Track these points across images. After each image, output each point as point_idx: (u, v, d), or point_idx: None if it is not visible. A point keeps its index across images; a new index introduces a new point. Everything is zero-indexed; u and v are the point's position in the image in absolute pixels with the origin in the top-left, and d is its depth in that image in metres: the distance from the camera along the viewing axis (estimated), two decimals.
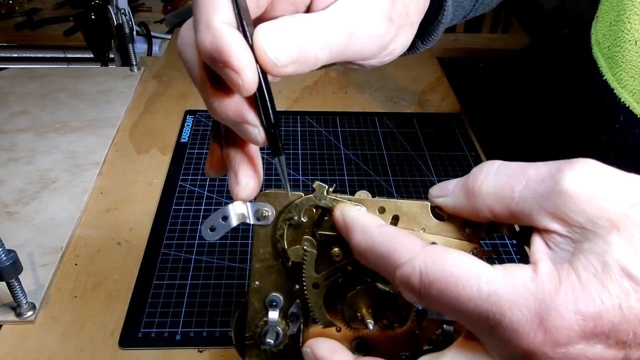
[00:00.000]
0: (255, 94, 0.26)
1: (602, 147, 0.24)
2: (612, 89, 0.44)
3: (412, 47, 0.39)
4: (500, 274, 0.23)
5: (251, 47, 0.26)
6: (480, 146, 0.87)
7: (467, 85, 1.54)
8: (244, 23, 0.26)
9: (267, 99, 0.27)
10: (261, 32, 0.26)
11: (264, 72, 0.26)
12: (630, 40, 0.43)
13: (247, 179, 0.31)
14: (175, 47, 0.29)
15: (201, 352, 0.56)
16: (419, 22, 0.35)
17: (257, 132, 0.28)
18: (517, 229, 0.29)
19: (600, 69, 0.46)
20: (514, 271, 0.24)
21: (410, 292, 0.25)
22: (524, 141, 1.33)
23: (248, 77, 0.25)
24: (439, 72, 1.08)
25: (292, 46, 0.27)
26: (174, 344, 0.56)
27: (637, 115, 0.41)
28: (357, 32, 0.29)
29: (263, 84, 0.26)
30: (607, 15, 0.47)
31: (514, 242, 0.69)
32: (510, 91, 1.42)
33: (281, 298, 0.33)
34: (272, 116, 0.28)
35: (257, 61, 0.26)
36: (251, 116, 0.28)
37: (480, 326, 0.24)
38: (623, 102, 0.43)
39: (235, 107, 0.27)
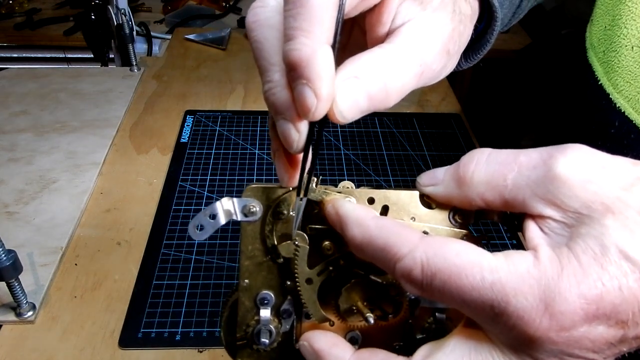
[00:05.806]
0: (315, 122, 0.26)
1: None
2: (608, 94, 0.43)
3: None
4: (503, 262, 0.23)
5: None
6: (480, 146, 0.87)
7: (467, 85, 1.54)
8: (337, 40, 0.24)
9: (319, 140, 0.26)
10: (338, 88, 0.25)
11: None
12: (626, 46, 0.42)
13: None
14: (246, 22, 0.27)
15: (201, 352, 0.56)
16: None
17: (298, 137, 0.26)
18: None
19: (596, 73, 0.45)
20: (516, 258, 0.23)
21: (413, 285, 0.25)
22: (523, 141, 1.33)
23: (322, 110, 0.24)
24: None
25: (363, 102, 0.27)
26: (174, 344, 0.56)
27: (632, 121, 0.41)
28: (425, 71, 0.29)
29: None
30: (602, 19, 0.46)
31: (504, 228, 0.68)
32: (510, 91, 1.42)
33: (272, 295, 0.32)
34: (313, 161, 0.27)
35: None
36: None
37: (484, 314, 0.24)
38: (619, 107, 0.42)
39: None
